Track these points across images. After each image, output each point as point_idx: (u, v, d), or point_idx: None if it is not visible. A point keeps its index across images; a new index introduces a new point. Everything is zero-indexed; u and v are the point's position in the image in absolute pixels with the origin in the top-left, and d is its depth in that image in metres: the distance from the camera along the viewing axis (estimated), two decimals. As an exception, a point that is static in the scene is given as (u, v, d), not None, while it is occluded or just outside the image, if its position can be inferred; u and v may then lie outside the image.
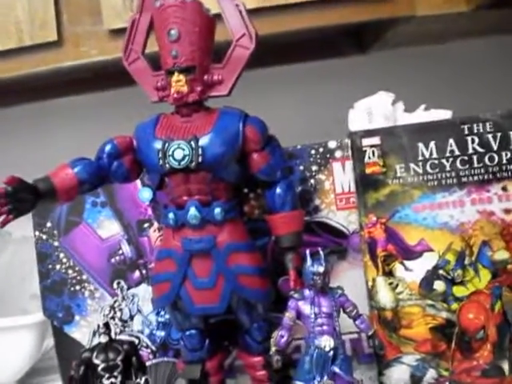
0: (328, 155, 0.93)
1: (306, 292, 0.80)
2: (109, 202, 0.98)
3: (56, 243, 0.99)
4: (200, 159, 0.78)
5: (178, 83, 0.80)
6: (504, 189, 0.84)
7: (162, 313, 0.96)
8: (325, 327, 0.78)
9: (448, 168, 0.84)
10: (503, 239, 0.84)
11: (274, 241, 0.92)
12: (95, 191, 0.92)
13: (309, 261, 0.79)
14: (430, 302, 0.85)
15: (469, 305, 0.85)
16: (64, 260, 0.99)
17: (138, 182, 0.96)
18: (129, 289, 0.97)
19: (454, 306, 0.85)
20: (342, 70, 1.10)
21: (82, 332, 0.98)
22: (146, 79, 0.85)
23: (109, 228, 0.98)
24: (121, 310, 0.96)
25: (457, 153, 0.84)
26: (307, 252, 0.80)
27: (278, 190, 0.83)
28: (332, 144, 0.93)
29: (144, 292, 0.97)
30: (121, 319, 0.96)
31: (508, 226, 0.84)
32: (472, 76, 1.08)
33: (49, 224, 0.99)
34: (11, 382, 1.05)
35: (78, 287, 0.98)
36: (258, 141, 0.81)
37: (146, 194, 0.97)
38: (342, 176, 0.93)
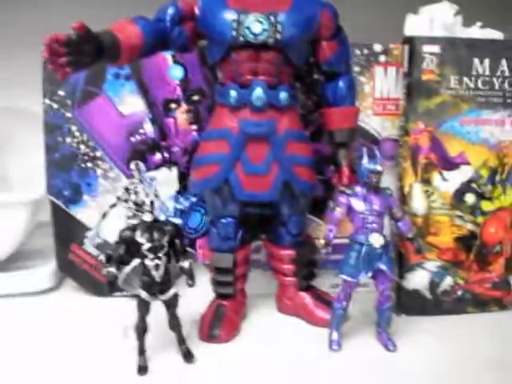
0: (372, 58, 0.92)
1: (358, 189, 0.79)
2: (134, 75, 0.90)
3: (68, 114, 0.90)
4: (278, 36, 0.74)
5: None
6: (544, 114, 0.89)
7: (182, 199, 0.92)
8: (375, 225, 0.78)
9: (497, 87, 0.86)
10: (535, 162, 0.89)
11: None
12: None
13: (366, 158, 0.78)
14: (458, 212, 0.88)
15: (492, 219, 0.89)
16: (76, 133, 0.91)
17: (169, 57, 0.90)
18: (147, 171, 0.91)
19: (480, 219, 0.89)
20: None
21: (89, 214, 0.92)
22: None
23: (131, 104, 0.91)
24: (136, 192, 0.90)
25: (507, 74, 0.86)
26: (364, 150, 0.79)
27: (341, 84, 0.81)
28: (377, 47, 0.92)
29: (163, 176, 0.91)
30: (135, 202, 0.90)
31: (542, 150, 0.89)
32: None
33: (61, 92, 0.90)
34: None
35: (89, 164, 0.91)
36: (331, 28, 0.78)
37: (177, 72, 0.90)
38: (383, 81, 0.92)
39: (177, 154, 0.91)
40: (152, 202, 0.75)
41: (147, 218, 0.74)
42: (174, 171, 0.92)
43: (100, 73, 0.89)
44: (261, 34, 0.73)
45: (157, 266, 0.73)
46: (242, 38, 0.74)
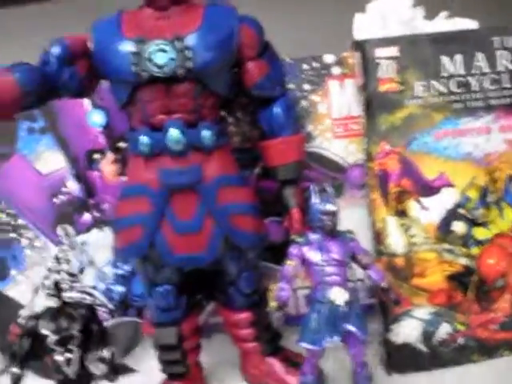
0: (324, 71, 0.77)
1: (312, 236, 0.65)
2: (50, 127, 0.78)
3: (-20, 181, 0.79)
4: (190, 64, 0.60)
5: None
6: (536, 114, 0.73)
7: (121, 263, 0.79)
8: (335, 277, 0.64)
9: (474, 88, 0.71)
10: (532, 174, 0.73)
11: (257, 175, 0.78)
12: (30, 113, 0.74)
13: (316, 198, 0.64)
14: (447, 246, 0.72)
15: (490, 249, 0.73)
16: (-8, 202, 0.79)
17: (88, 102, 0.77)
18: (77, 235, 0.79)
19: (475, 250, 0.73)
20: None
21: (20, 290, 0.81)
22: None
23: (50, 160, 0.79)
24: (68, 261, 0.78)
25: (485, 70, 0.71)
26: (312, 187, 0.65)
27: (277, 110, 0.67)
28: (329, 58, 0.77)
29: (96, 239, 0.79)
30: (69, 273, 0.78)
31: (538, 158, 0.73)
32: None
33: (-32, 157, 0.79)
34: None
35: (12, 235, 0.80)
36: (255, 45, 0.65)
37: (97, 118, 0.78)
38: (340, 97, 0.78)
39: (108, 211, 0.79)
40: (56, 284, 0.63)
41: (52, 302, 0.62)
42: (108, 231, 0.78)
43: (11, 129, 0.77)
44: (167, 64, 0.60)
45: (68, 361, 0.60)
46: (144, 73, 0.60)
